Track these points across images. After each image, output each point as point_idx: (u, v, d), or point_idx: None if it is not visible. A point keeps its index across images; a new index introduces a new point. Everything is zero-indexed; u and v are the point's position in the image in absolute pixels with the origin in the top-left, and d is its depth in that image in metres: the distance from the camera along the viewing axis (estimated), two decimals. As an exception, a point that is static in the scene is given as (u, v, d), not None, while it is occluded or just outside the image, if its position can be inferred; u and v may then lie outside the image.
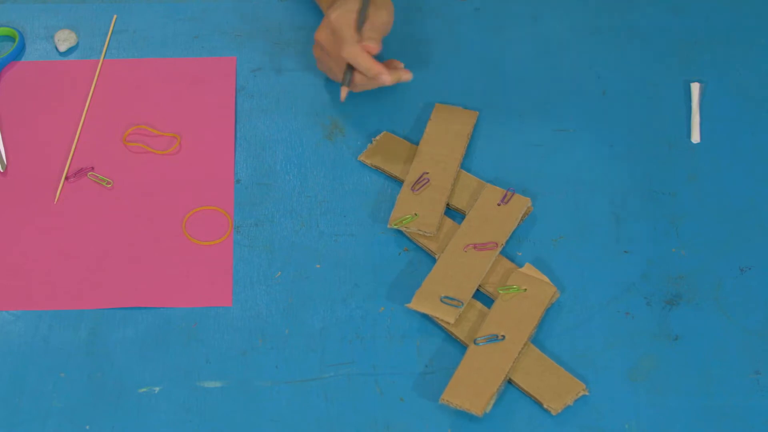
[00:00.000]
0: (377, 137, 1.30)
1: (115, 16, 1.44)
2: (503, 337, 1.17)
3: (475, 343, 1.16)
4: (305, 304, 1.23)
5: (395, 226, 1.23)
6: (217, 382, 1.17)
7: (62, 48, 1.41)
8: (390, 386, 1.17)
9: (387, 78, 1.28)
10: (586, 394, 1.16)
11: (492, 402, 1.13)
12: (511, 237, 1.26)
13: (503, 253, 1.25)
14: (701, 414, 1.16)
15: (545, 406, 1.14)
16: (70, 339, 1.20)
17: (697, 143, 1.34)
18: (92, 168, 1.32)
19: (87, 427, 1.15)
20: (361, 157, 1.29)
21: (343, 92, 1.31)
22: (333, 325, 1.21)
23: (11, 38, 1.43)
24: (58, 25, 1.44)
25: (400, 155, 1.30)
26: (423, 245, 1.24)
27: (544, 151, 1.33)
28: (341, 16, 1.29)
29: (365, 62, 1.27)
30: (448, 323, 1.18)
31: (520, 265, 1.23)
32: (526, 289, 1.20)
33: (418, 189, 1.26)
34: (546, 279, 1.22)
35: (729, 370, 1.18)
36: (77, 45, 1.42)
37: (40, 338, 1.20)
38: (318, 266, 1.25)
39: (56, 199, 1.30)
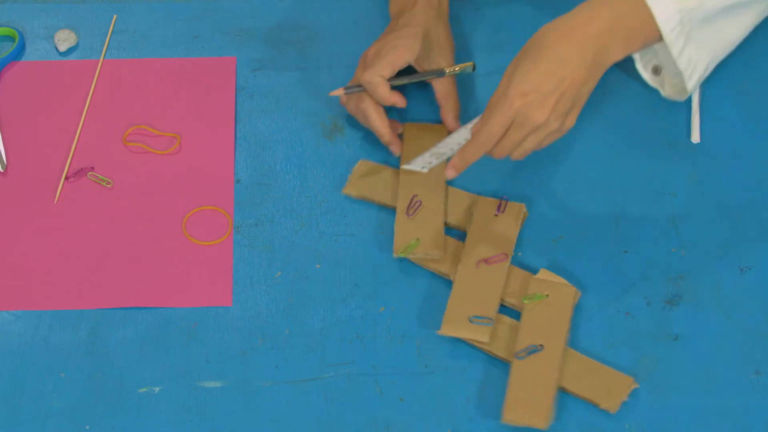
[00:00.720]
0: (354, 167, 1.29)
1: (115, 16, 1.45)
2: (541, 346, 1.16)
3: (516, 357, 1.16)
4: (305, 304, 1.22)
5: (402, 255, 1.22)
6: (217, 382, 1.17)
7: (62, 48, 1.41)
8: (390, 386, 1.16)
9: (395, 149, 1.29)
10: (637, 387, 1.15)
11: (553, 412, 1.13)
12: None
13: (512, 261, 1.24)
14: (701, 414, 1.15)
15: (603, 407, 1.14)
16: (70, 339, 1.19)
17: (697, 143, 1.34)
18: (92, 168, 1.32)
19: (87, 427, 1.14)
20: (345, 191, 1.27)
21: (338, 91, 1.30)
22: (333, 325, 1.21)
23: (11, 38, 1.43)
24: (58, 25, 1.44)
25: (383, 181, 1.28)
26: (433, 269, 1.23)
27: (543, 151, 1.28)
28: (395, 42, 1.27)
29: (382, 99, 1.27)
30: (483, 343, 1.18)
31: (533, 271, 1.23)
32: (548, 295, 1.20)
33: (412, 214, 1.25)
34: (564, 281, 1.21)
35: (729, 370, 1.17)
36: (77, 45, 1.42)
37: (40, 338, 1.20)
38: (318, 266, 1.25)
39: (56, 199, 1.30)
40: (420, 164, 1.22)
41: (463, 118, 1.32)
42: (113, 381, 1.17)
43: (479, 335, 1.17)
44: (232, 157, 1.33)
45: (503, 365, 1.18)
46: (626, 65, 1.35)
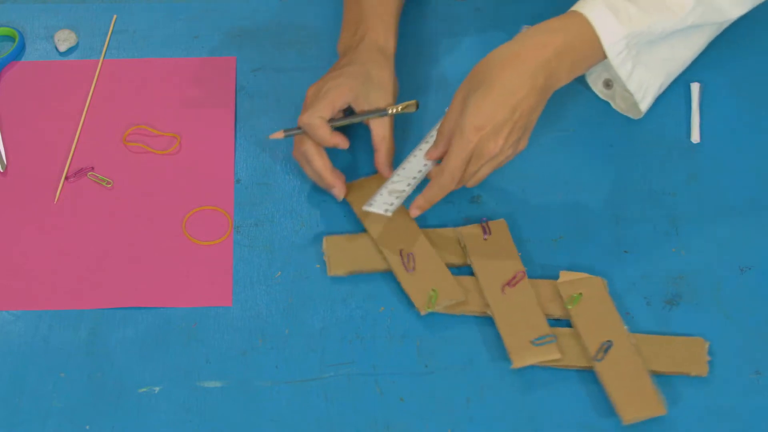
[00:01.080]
0: (324, 247, 1.24)
1: (115, 16, 1.45)
2: (610, 341, 1.17)
3: (596, 360, 1.16)
4: (305, 304, 1.22)
5: (429, 311, 1.19)
6: (217, 382, 1.17)
7: (62, 48, 1.41)
8: (390, 386, 1.16)
9: (338, 192, 1.25)
10: (709, 343, 1.17)
11: (661, 395, 1.14)
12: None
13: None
14: (701, 414, 1.15)
15: (694, 374, 1.15)
16: (70, 339, 1.19)
17: (697, 143, 1.34)
18: (92, 168, 1.32)
19: (87, 427, 1.14)
20: (332, 273, 1.22)
21: (278, 134, 1.27)
22: (333, 325, 1.20)
23: (11, 38, 1.43)
24: (58, 25, 1.44)
25: (363, 250, 1.24)
26: (462, 312, 1.21)
27: (544, 151, 1.32)
28: (336, 81, 1.24)
29: (322, 141, 1.24)
30: (557, 360, 1.17)
31: (543, 272, 1.23)
32: (581, 294, 1.20)
33: (412, 268, 1.22)
34: (586, 275, 1.21)
35: (729, 370, 1.17)
36: (77, 45, 1.42)
37: (40, 338, 1.19)
38: (318, 266, 1.25)
39: (56, 199, 1.29)
40: (381, 206, 1.21)
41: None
42: (113, 381, 1.17)
43: (550, 354, 1.17)
44: (232, 157, 1.33)
45: (504, 365, 1.17)
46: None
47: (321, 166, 1.25)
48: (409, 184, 1.23)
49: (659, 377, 1.16)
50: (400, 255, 1.22)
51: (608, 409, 1.15)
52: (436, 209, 1.26)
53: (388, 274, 1.24)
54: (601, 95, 1.34)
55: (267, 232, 1.27)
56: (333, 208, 1.29)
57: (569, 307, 1.20)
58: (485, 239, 1.24)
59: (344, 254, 1.23)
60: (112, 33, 1.43)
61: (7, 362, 1.18)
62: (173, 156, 1.33)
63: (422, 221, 1.26)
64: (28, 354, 1.18)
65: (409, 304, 1.22)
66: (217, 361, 1.18)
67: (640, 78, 1.25)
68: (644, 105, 1.29)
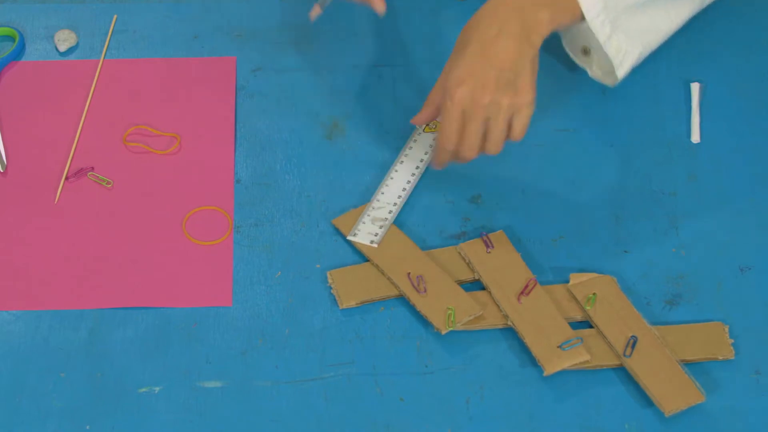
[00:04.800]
0: (329, 281, 1.22)
1: (115, 16, 1.44)
2: (635, 336, 1.17)
3: (625, 356, 1.16)
4: (305, 304, 1.21)
5: (450, 329, 1.18)
6: (217, 382, 1.16)
7: (62, 48, 1.41)
8: (390, 386, 1.16)
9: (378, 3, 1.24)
10: (728, 326, 1.18)
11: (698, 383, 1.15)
12: (510, 239, 1.26)
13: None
14: (701, 414, 1.14)
15: (721, 358, 1.16)
16: (70, 339, 1.19)
17: (697, 143, 1.33)
18: (92, 168, 1.31)
19: (87, 427, 1.14)
20: (344, 305, 1.20)
21: (315, 10, 1.27)
22: (333, 325, 1.20)
23: (11, 38, 1.43)
24: (58, 25, 1.43)
25: (370, 279, 1.22)
26: (482, 326, 1.19)
27: (544, 151, 1.32)
28: None
29: None
30: (587, 362, 1.16)
31: (557, 278, 1.23)
32: (595, 293, 1.20)
33: (423, 290, 1.21)
34: (595, 274, 1.21)
35: (729, 370, 1.17)
36: (77, 45, 1.42)
37: (40, 338, 1.19)
38: (318, 266, 1.24)
39: (56, 199, 1.29)
40: (366, 237, 1.22)
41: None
42: (113, 381, 1.16)
43: (580, 357, 1.16)
44: (232, 157, 1.33)
45: (507, 364, 1.18)
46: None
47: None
48: (390, 212, 1.24)
49: (685, 365, 1.17)
50: (409, 278, 1.21)
51: (608, 407, 1.15)
52: (436, 211, 1.26)
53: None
54: (577, 61, 1.33)
55: (267, 232, 1.27)
56: (333, 208, 1.29)
57: (588, 308, 1.20)
58: (489, 252, 1.24)
59: (352, 285, 1.22)
60: (112, 33, 1.42)
61: (7, 362, 1.18)
62: (173, 156, 1.32)
63: (422, 243, 1.26)
64: (28, 354, 1.18)
65: (410, 304, 1.22)
66: (217, 361, 1.18)
67: (618, 44, 1.24)
68: (621, 71, 1.27)
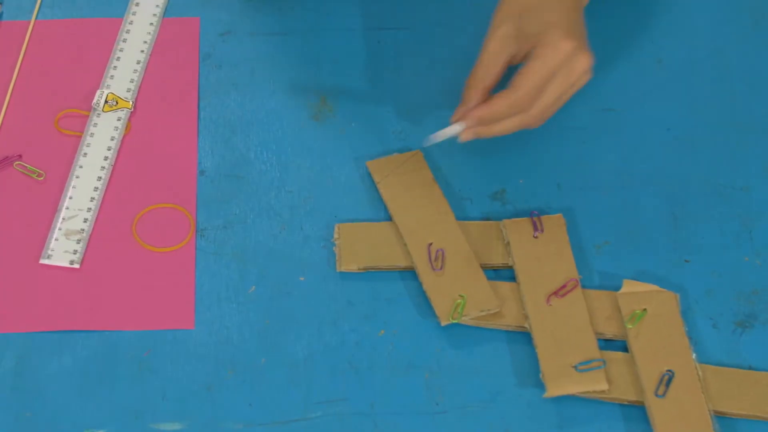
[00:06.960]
0: (335, 236, 1.19)
1: (49, -32, 1.40)
2: (670, 371, 1.10)
3: (657, 396, 1.10)
4: (286, 327, 1.15)
5: (453, 321, 1.14)
6: (175, 424, 1.10)
7: (-17, 8, 1.35)
8: (392, 429, 1.10)
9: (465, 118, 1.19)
10: None
11: None
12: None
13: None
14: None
15: None
16: (-10, 371, 1.15)
17: (777, 125, 1.31)
18: (20, 156, 1.25)
19: (12, 484, 1.09)
20: (343, 268, 1.17)
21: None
22: (320, 353, 1.14)
23: None
24: (-23, -21, 1.37)
25: (383, 240, 1.20)
26: (493, 325, 1.15)
27: (584, 137, 1.26)
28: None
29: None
30: (603, 391, 1.11)
31: (614, 288, 1.17)
32: (646, 309, 1.14)
33: (440, 267, 1.16)
34: (656, 287, 1.15)
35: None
36: (1, 2, 1.35)
37: (-48, 370, 1.15)
38: (302, 279, 1.18)
39: (-26, 195, 1.24)
40: (63, 257, 1.17)
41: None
42: (46, 423, 1.10)
43: (595, 384, 1.11)
44: (195, 143, 1.27)
45: (536, 401, 1.11)
46: (689, 27, 1.31)
47: (481, 67, 1.18)
48: (85, 220, 1.19)
49: (723, 420, 1.10)
50: (428, 250, 1.17)
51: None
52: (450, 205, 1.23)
53: (389, 288, 1.17)
54: None
55: (238, 237, 1.21)
56: (320, 207, 1.22)
57: (629, 326, 1.13)
58: (536, 237, 1.18)
59: (359, 245, 1.19)
60: (45, -12, 1.40)
61: None
62: (121, 141, 1.26)
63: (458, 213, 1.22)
64: (-67, 391, 1.14)
65: (416, 326, 1.15)
66: (175, 398, 1.11)
67: None
68: None
